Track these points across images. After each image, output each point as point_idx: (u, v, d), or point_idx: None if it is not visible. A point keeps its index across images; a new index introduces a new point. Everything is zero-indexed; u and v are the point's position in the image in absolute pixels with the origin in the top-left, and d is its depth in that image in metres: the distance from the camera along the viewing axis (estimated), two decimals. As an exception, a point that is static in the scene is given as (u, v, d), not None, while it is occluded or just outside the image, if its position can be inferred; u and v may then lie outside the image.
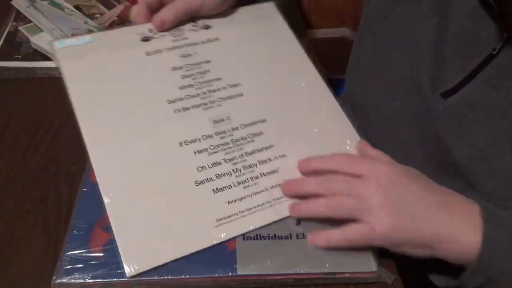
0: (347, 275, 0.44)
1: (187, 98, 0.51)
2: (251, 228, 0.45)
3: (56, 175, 0.52)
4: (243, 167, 0.48)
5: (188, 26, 0.58)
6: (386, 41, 0.58)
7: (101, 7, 0.77)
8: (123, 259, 0.41)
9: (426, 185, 0.45)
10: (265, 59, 0.58)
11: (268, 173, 0.48)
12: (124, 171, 0.46)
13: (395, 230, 0.42)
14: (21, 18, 0.77)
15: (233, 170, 0.47)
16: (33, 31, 0.72)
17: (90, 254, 0.43)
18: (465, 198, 0.45)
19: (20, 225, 0.47)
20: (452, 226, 0.42)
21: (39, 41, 0.70)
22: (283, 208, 0.46)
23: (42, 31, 0.72)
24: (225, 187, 0.46)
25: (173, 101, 0.51)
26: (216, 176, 0.47)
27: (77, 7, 0.76)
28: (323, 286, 0.44)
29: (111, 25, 0.73)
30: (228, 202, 0.45)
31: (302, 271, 0.43)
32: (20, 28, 0.74)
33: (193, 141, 0.49)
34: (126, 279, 0.42)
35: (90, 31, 0.71)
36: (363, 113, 0.60)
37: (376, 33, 0.60)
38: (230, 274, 0.43)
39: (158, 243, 0.43)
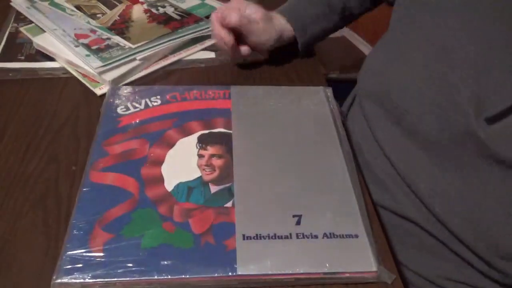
0: (347, 275, 0.44)
1: None
2: None
3: (56, 175, 0.52)
4: None
5: None
6: (413, 42, 0.54)
7: (102, 6, 0.78)
8: None
9: None
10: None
11: None
12: None
13: None
14: (21, 19, 0.77)
15: None
16: (35, 31, 0.72)
17: (90, 254, 0.43)
18: None
19: (20, 225, 0.47)
20: None
21: (41, 41, 0.70)
22: None
23: (44, 31, 0.72)
24: None
25: None
26: None
27: (78, 7, 0.77)
28: (323, 286, 0.44)
29: (113, 25, 0.73)
30: None
31: (302, 271, 0.43)
32: (21, 29, 0.74)
33: None
34: (126, 279, 0.42)
35: (93, 31, 0.71)
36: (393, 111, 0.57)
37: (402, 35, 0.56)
38: (230, 274, 0.43)
39: None
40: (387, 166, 0.58)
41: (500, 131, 0.44)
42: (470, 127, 0.46)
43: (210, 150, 0.54)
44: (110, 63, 0.66)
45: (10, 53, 0.71)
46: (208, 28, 0.76)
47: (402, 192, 0.56)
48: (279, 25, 0.69)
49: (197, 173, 0.52)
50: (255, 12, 0.66)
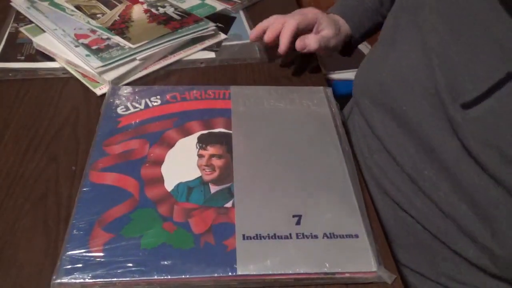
0: (347, 275, 0.44)
1: None
2: None
3: (56, 175, 0.52)
4: None
5: None
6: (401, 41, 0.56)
7: (102, 7, 0.78)
8: None
9: None
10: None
11: None
12: None
13: None
14: (20, 19, 0.77)
15: None
16: (35, 31, 0.72)
17: (90, 254, 0.43)
18: None
19: (20, 225, 0.47)
20: None
21: (41, 41, 0.70)
22: None
23: (44, 31, 0.72)
24: None
25: None
26: None
27: (78, 7, 0.77)
28: (323, 286, 0.44)
29: (113, 25, 0.73)
30: None
31: (302, 271, 0.43)
32: (21, 29, 0.74)
33: None
34: (126, 279, 0.42)
35: (93, 31, 0.71)
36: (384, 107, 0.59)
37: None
38: (230, 274, 0.43)
39: None
40: (388, 159, 0.58)
41: (476, 116, 0.45)
42: (449, 113, 0.48)
43: (210, 150, 0.55)
44: (110, 63, 0.66)
45: (10, 53, 0.71)
46: (208, 28, 0.76)
47: (404, 184, 0.57)
48: (344, 32, 0.72)
49: (197, 173, 0.52)
50: (328, 30, 0.68)
